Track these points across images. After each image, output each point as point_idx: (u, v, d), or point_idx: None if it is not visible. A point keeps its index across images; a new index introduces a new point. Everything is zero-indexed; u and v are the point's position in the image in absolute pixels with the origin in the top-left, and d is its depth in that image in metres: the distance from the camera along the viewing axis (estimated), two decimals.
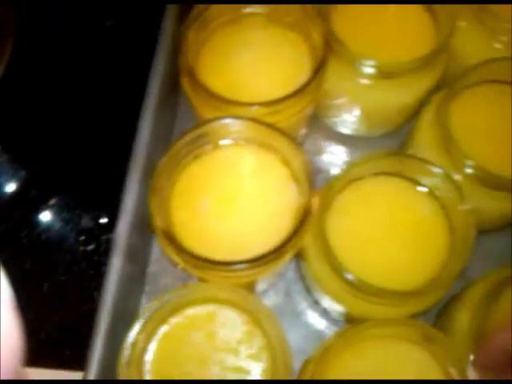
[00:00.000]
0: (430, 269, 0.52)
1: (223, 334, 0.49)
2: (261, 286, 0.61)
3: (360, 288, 0.49)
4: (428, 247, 0.53)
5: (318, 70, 0.50)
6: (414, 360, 0.49)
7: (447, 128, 0.54)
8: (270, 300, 0.62)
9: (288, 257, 0.49)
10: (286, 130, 0.55)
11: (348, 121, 0.65)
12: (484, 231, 0.63)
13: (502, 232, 0.65)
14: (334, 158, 0.68)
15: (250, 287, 0.56)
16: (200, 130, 0.49)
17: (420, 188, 0.55)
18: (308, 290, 0.62)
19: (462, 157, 0.53)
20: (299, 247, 0.50)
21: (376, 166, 0.55)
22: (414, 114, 0.62)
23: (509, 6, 0.58)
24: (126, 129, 0.61)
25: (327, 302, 0.57)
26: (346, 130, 0.68)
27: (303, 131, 0.64)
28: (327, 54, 0.51)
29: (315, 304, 0.61)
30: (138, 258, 0.61)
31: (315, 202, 0.48)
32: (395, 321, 0.50)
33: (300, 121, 0.58)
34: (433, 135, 0.56)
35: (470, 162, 0.53)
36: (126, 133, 0.61)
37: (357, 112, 0.62)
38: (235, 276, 0.48)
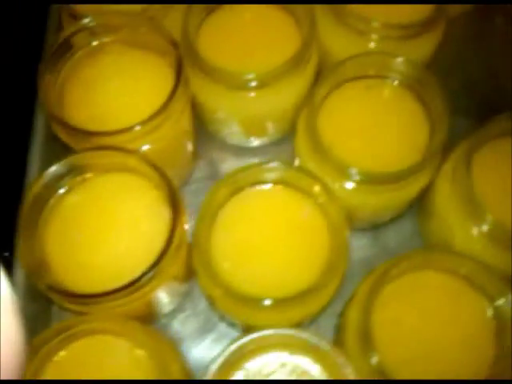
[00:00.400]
0: (315, 270, 0.52)
1: (110, 363, 0.49)
2: (166, 308, 0.61)
3: (247, 301, 0.50)
4: (311, 251, 0.54)
5: (172, 93, 0.51)
6: (301, 367, 0.50)
7: (317, 133, 0.54)
8: (180, 319, 0.63)
9: (164, 279, 0.49)
10: (168, 148, 0.56)
11: (234, 133, 0.66)
12: (386, 224, 0.65)
13: (403, 223, 0.66)
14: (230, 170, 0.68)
15: (150, 309, 0.57)
16: (63, 164, 0.50)
17: (299, 194, 0.55)
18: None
19: (334, 161, 0.53)
20: (174, 269, 0.50)
21: (254, 175, 0.55)
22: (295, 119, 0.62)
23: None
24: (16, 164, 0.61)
25: (224, 316, 0.57)
26: (235, 141, 0.68)
27: (190, 147, 0.64)
28: (180, 75, 0.52)
29: (222, 318, 0.62)
30: (41, 296, 0.61)
31: (182, 226, 0.49)
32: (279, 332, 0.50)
33: (178, 139, 0.59)
34: (307, 140, 0.56)
35: (343, 166, 0.53)
36: (15, 169, 0.61)
37: (237, 124, 0.63)
38: (115, 305, 0.48)
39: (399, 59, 0.57)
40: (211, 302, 0.55)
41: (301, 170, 0.54)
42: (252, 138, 0.67)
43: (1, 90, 0.64)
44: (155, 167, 0.48)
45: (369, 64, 0.58)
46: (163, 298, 0.56)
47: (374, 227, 0.66)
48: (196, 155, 0.69)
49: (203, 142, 0.70)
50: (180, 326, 0.63)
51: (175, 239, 0.47)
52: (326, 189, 0.52)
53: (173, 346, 0.52)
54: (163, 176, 0.48)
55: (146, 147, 0.52)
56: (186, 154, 0.65)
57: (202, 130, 0.69)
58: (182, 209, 0.50)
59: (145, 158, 0.48)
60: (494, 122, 0.55)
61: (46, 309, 0.62)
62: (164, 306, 0.60)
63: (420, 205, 0.64)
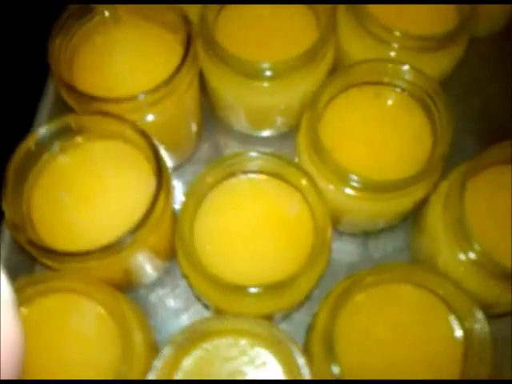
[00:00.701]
0: (294, 265, 0.52)
1: (75, 323, 0.50)
2: (145, 279, 0.62)
3: (222, 286, 0.50)
4: (293, 245, 0.54)
5: (178, 67, 0.51)
6: (262, 361, 0.50)
7: (317, 134, 0.54)
8: (159, 294, 0.64)
9: (141, 249, 0.50)
10: (170, 124, 0.57)
11: (241, 120, 0.66)
12: (377, 233, 0.64)
13: (394, 236, 0.66)
14: None
15: (127, 277, 0.58)
16: (56, 124, 0.50)
17: (290, 189, 0.55)
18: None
19: (331, 163, 0.53)
20: (154, 242, 0.51)
21: (246, 163, 0.55)
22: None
23: (387, 11, 0.59)
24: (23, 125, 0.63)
25: (200, 297, 0.58)
26: (242, 129, 0.68)
27: (194, 128, 0.65)
28: (187, 54, 0.52)
29: (199, 298, 0.62)
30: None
31: (166, 198, 0.49)
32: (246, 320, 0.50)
33: (181, 117, 0.59)
34: (307, 140, 0.56)
35: (340, 170, 0.53)
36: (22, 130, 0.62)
37: (244, 112, 0.63)
38: (91, 266, 0.49)
39: (410, 69, 0.56)
40: (187, 282, 0.56)
41: (292, 163, 0.53)
42: (258, 128, 0.67)
43: (19, 51, 0.64)
44: (146, 137, 0.49)
45: (379, 71, 0.57)
46: (141, 268, 0.57)
47: (366, 235, 0.66)
48: (201, 137, 0.69)
49: (211, 126, 0.71)
50: (158, 300, 0.63)
51: (156, 210, 0.48)
52: (313, 185, 0.52)
53: (141, 317, 0.53)
54: (152, 146, 0.48)
55: (148, 119, 0.53)
56: (189, 133, 0.65)
57: (212, 114, 0.69)
58: (168, 182, 0.50)
59: (137, 128, 0.49)
60: (494, 148, 0.54)
61: (31, 263, 0.63)
62: (142, 276, 0.60)
63: (414, 219, 0.63)
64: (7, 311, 0.24)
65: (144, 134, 0.49)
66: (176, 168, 0.68)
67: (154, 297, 0.63)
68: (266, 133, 0.69)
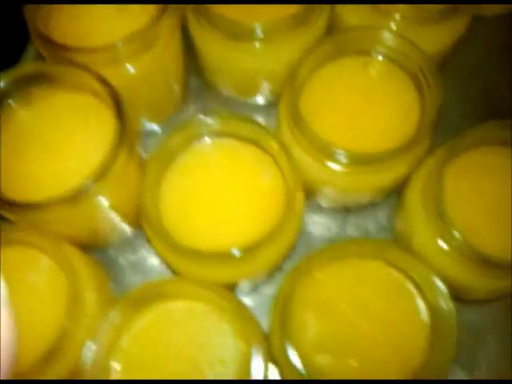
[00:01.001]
0: (261, 233, 0.50)
1: (29, 276, 0.48)
2: (107, 238, 0.61)
3: (180, 250, 0.48)
4: (264, 213, 0.52)
5: (155, 19, 0.50)
6: (215, 329, 0.48)
7: (296, 103, 0.52)
8: (129, 257, 0.62)
9: (101, 205, 0.48)
10: (148, 81, 0.55)
11: (228, 84, 0.64)
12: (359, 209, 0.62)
13: (376, 214, 0.64)
14: None
15: (93, 236, 0.57)
16: (19, 72, 0.49)
17: (263, 155, 0.53)
18: None
19: (310, 134, 0.51)
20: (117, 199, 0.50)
21: (218, 127, 0.53)
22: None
23: None
24: None
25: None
26: (229, 93, 0.67)
27: (176, 88, 0.63)
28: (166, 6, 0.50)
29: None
30: None
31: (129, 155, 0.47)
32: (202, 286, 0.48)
33: (159, 74, 0.57)
34: (287, 109, 0.53)
35: (318, 141, 0.50)
36: None
37: (231, 75, 0.62)
38: (49, 220, 0.47)
39: (404, 40, 0.54)
40: (150, 245, 0.54)
41: (265, 129, 0.51)
42: (246, 94, 0.66)
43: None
44: (107, 86, 0.47)
45: (369, 39, 0.55)
46: (106, 227, 0.55)
47: (347, 210, 0.63)
48: (187, 100, 0.68)
49: (200, 90, 0.69)
50: (126, 263, 0.62)
51: (117, 163, 0.46)
52: (285, 150, 0.50)
53: (99, 277, 0.51)
54: (113, 95, 0.47)
55: (124, 73, 0.51)
56: (169, 93, 0.63)
57: (202, 79, 0.68)
58: (131, 135, 0.48)
59: (100, 77, 0.47)
60: (481, 127, 0.51)
61: None
62: (108, 236, 0.59)
63: (398, 197, 0.61)
64: (3, 311, 0.24)
65: (105, 83, 0.47)
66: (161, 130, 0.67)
67: (123, 259, 0.62)
68: (253, 100, 0.67)
